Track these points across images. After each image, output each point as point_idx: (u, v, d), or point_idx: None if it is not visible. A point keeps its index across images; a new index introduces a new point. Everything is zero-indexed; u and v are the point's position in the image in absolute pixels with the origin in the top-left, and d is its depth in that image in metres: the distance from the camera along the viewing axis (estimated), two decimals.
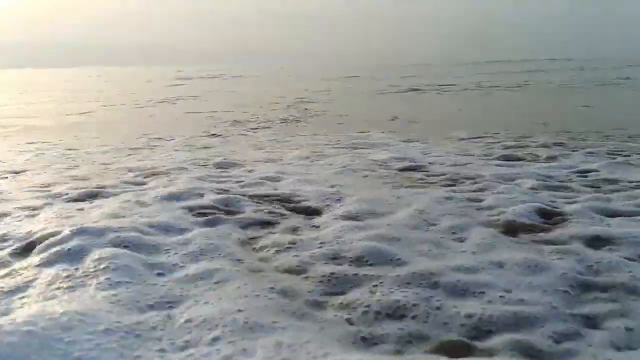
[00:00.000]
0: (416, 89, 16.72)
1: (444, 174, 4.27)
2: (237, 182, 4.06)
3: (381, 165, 4.75)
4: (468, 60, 43.20)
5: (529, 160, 4.87)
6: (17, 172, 4.65)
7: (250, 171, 4.50)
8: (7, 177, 4.44)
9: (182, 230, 2.82)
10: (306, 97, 14.46)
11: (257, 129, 8.25)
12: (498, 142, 6.01)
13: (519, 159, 4.93)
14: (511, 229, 2.80)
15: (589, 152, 5.13)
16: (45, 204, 3.41)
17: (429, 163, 4.79)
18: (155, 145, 6.49)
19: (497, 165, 4.65)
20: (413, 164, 4.75)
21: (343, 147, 5.99)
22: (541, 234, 2.74)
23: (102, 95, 17.77)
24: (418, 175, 4.36)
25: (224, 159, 5.13)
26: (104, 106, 13.49)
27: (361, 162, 4.89)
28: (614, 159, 4.71)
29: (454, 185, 3.90)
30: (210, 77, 30.40)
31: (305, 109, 11.36)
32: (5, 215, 3.15)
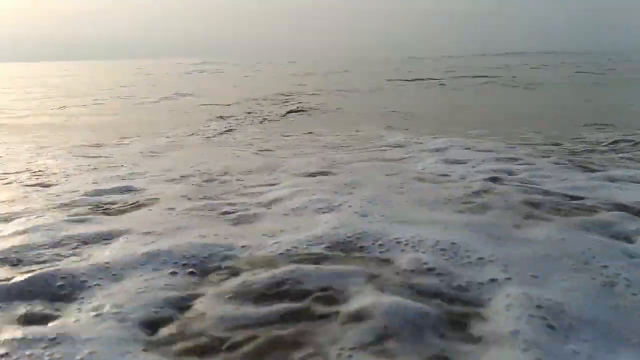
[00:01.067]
0: (417, 81, 15.38)
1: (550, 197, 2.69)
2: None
3: (447, 182, 3.16)
4: (465, 54, 41.94)
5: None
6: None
7: (255, 194, 3.02)
8: None
9: None
10: (302, 91, 13.02)
11: (256, 125, 6.85)
12: (542, 145, 4.69)
13: (598, 165, 3.59)
14: None
15: None
16: None
17: (505, 176, 3.27)
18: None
19: (604, 180, 3.13)
20: (478, 177, 3.21)
21: (361, 151, 4.63)
22: None
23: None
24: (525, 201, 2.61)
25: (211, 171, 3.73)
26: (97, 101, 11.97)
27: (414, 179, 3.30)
28: None
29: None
30: (201, 71, 28.77)
31: (299, 102, 9.94)
32: None
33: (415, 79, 16.50)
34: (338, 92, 12.75)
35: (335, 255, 1.96)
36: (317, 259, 1.91)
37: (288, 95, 11.52)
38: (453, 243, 1.98)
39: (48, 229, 2.23)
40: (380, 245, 2.03)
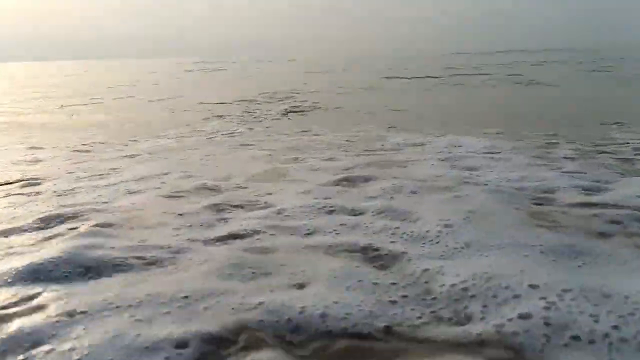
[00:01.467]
0: (417, 79, 14.96)
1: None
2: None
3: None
4: (466, 52, 41.45)
5: None
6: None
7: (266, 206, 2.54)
8: None
9: None
10: (301, 90, 12.60)
11: (259, 123, 6.44)
12: (568, 144, 4.28)
13: None
14: None
15: None
16: None
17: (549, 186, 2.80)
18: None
19: None
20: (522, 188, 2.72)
21: (368, 154, 4.23)
22: None
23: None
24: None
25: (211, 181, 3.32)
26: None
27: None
28: None
29: None
30: (202, 70, 28.30)
31: (299, 101, 9.51)
32: None
33: (414, 77, 16.09)
34: (338, 89, 12.33)
35: (429, 336, 1.19)
36: (402, 346, 1.16)
37: (288, 94, 11.10)
38: (609, 311, 1.22)
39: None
40: (497, 323, 1.18)
